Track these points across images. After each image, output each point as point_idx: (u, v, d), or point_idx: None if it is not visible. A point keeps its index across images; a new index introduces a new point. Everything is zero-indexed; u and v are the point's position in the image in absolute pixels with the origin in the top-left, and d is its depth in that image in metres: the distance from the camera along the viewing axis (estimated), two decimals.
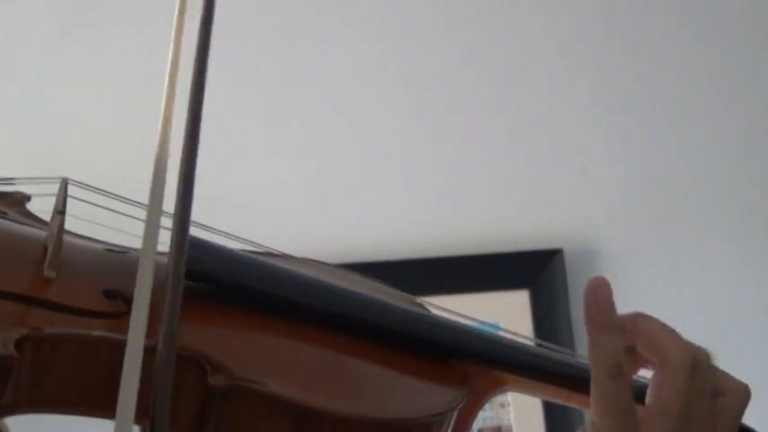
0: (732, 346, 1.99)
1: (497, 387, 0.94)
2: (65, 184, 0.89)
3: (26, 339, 0.78)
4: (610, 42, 2.10)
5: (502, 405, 2.01)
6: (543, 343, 0.99)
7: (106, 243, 0.91)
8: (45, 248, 0.86)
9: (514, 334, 0.98)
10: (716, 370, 0.88)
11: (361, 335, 0.89)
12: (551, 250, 2.06)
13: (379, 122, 2.08)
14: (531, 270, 2.05)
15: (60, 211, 0.86)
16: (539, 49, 2.09)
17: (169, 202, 0.76)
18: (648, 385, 0.87)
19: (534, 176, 2.08)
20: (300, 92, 2.07)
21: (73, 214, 0.87)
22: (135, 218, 0.86)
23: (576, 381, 0.94)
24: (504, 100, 2.09)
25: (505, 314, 2.01)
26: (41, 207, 0.92)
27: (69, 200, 0.89)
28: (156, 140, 0.76)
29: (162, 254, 0.85)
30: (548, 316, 2.04)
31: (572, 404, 0.96)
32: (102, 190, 0.90)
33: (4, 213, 0.92)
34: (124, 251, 0.90)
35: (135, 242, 0.89)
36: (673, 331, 0.88)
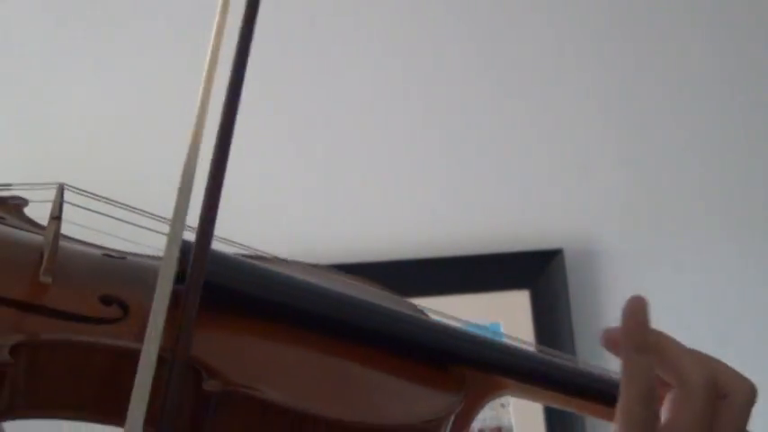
0: (733, 347, 1.99)
1: (494, 391, 0.94)
2: (61, 189, 0.89)
3: (21, 345, 0.78)
4: (610, 42, 2.10)
5: (502, 405, 2.00)
6: (542, 348, 0.99)
7: (104, 248, 0.91)
8: (41, 254, 0.86)
9: (512, 338, 0.98)
10: (724, 370, 0.87)
11: (357, 340, 0.89)
12: (552, 250, 2.05)
13: (379, 123, 2.08)
14: (532, 270, 2.05)
15: (56, 216, 0.86)
16: (539, 50, 2.09)
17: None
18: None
19: (534, 176, 2.08)
20: (302, 92, 2.06)
21: (70, 220, 0.87)
22: (131, 223, 0.87)
23: (573, 386, 0.94)
24: (503, 100, 2.09)
25: (505, 314, 2.01)
26: (39, 214, 0.92)
27: (66, 205, 0.89)
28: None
29: (157, 258, 0.85)
30: (548, 316, 2.04)
31: (570, 408, 0.96)
32: (99, 195, 0.90)
33: (1, 218, 0.92)
34: (122, 257, 0.90)
35: (131, 247, 0.89)
36: (694, 353, 0.87)
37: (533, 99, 2.09)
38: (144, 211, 0.84)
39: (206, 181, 0.76)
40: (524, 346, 0.97)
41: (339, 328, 0.89)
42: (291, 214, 2.03)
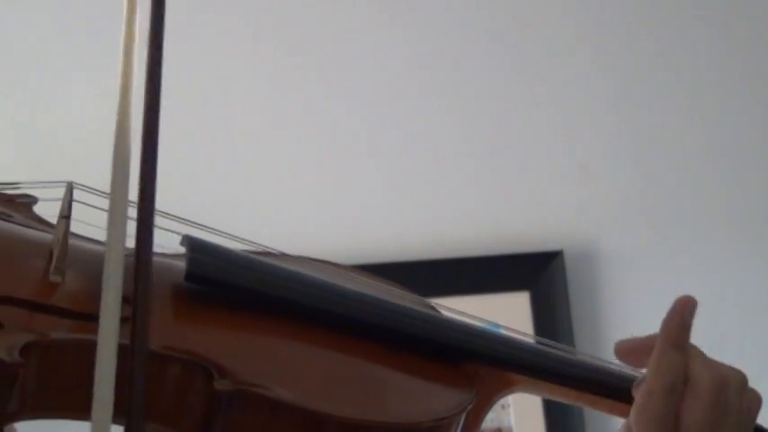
0: (733, 347, 1.99)
1: (506, 388, 0.94)
2: (70, 188, 0.88)
3: (31, 345, 0.77)
4: (610, 42, 2.10)
5: (503, 406, 2.00)
6: (545, 340, 0.98)
7: None
8: (51, 253, 0.86)
9: (517, 331, 0.98)
10: (745, 392, 0.88)
11: (369, 337, 0.89)
12: (551, 252, 2.05)
13: (378, 126, 2.08)
14: (532, 271, 2.05)
15: (65, 215, 0.86)
16: (539, 50, 2.09)
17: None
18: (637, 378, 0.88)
19: (534, 177, 2.08)
20: (304, 92, 2.06)
21: (79, 219, 0.87)
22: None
23: (584, 381, 0.94)
24: (503, 101, 2.09)
25: (505, 316, 2.00)
26: (47, 212, 0.92)
27: (75, 204, 0.88)
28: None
29: (167, 255, 0.85)
30: (548, 318, 2.04)
31: (580, 404, 0.96)
32: (107, 193, 0.89)
33: (10, 216, 0.91)
34: (131, 255, 0.89)
35: None
36: (704, 356, 0.88)
37: (534, 99, 2.09)
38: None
39: (139, 165, 0.75)
40: (537, 344, 0.97)
41: (350, 325, 0.89)
42: (291, 214, 2.03)
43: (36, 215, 0.94)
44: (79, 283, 0.84)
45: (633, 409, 0.85)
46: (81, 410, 0.80)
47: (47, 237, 0.89)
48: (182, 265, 0.87)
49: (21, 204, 0.93)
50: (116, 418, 0.74)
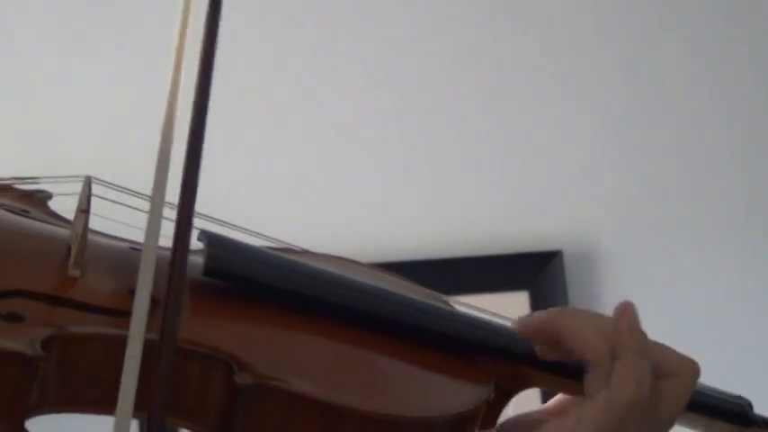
0: (732, 347, 1.99)
1: (522, 383, 0.94)
2: (89, 182, 0.88)
3: (52, 339, 0.77)
4: (610, 42, 2.10)
5: None
6: None
7: (131, 241, 0.90)
8: (69, 247, 0.85)
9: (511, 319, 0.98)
10: (660, 350, 0.87)
11: (388, 332, 0.89)
12: (551, 252, 2.05)
13: (378, 125, 2.08)
14: (531, 272, 2.05)
15: (84, 209, 0.86)
16: (539, 50, 2.09)
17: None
18: None
19: (534, 177, 2.08)
20: (306, 92, 2.06)
21: (97, 213, 0.87)
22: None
23: None
24: (503, 101, 2.09)
25: (505, 316, 2.01)
26: (63, 207, 0.92)
27: (93, 198, 0.88)
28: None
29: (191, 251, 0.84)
30: None
31: None
32: (125, 188, 0.89)
33: (27, 212, 0.91)
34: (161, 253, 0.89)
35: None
36: (586, 324, 0.87)
37: (534, 100, 2.09)
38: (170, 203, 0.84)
39: (184, 163, 0.76)
40: None
41: (369, 320, 0.89)
42: (291, 214, 2.03)
43: (51, 210, 0.94)
44: (99, 278, 0.84)
45: (584, 413, 0.83)
46: (100, 404, 0.80)
47: (64, 231, 0.89)
48: (200, 260, 0.87)
49: (37, 200, 0.93)
50: (136, 413, 0.74)
